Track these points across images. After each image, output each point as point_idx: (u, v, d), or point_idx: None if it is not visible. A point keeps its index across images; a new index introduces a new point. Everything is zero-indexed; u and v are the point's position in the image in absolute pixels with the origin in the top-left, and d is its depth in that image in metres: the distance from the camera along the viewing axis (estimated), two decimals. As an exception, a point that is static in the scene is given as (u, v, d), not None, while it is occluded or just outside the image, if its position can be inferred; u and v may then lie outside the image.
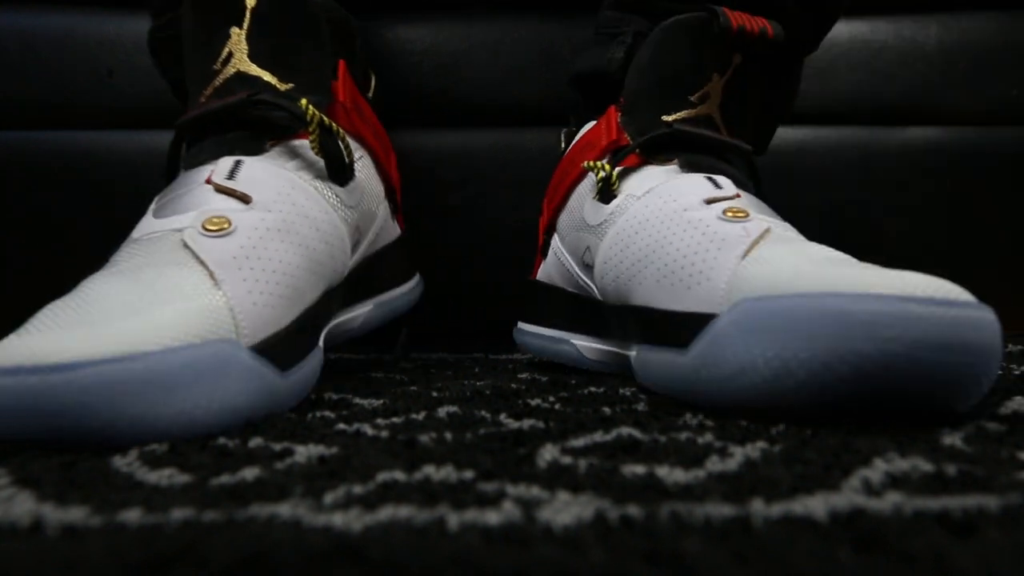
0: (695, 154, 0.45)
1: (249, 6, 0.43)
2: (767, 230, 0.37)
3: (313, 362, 0.39)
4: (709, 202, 0.40)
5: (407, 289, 0.53)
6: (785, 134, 0.58)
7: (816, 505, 0.20)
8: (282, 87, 0.43)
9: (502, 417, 0.33)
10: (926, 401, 0.29)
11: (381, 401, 0.38)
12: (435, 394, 0.40)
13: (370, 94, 0.52)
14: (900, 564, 0.16)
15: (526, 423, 0.32)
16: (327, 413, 0.35)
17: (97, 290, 0.32)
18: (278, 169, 0.40)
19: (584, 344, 0.48)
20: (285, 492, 0.22)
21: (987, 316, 0.29)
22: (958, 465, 0.24)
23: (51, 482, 0.23)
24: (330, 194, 0.42)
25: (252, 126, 0.42)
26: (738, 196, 0.41)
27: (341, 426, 0.32)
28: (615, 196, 0.45)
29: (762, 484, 0.22)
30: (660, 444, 0.28)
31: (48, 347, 0.27)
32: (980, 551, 0.17)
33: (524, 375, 0.48)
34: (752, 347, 0.31)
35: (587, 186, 0.48)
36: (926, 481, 0.22)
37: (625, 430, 0.30)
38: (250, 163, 0.40)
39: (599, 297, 0.46)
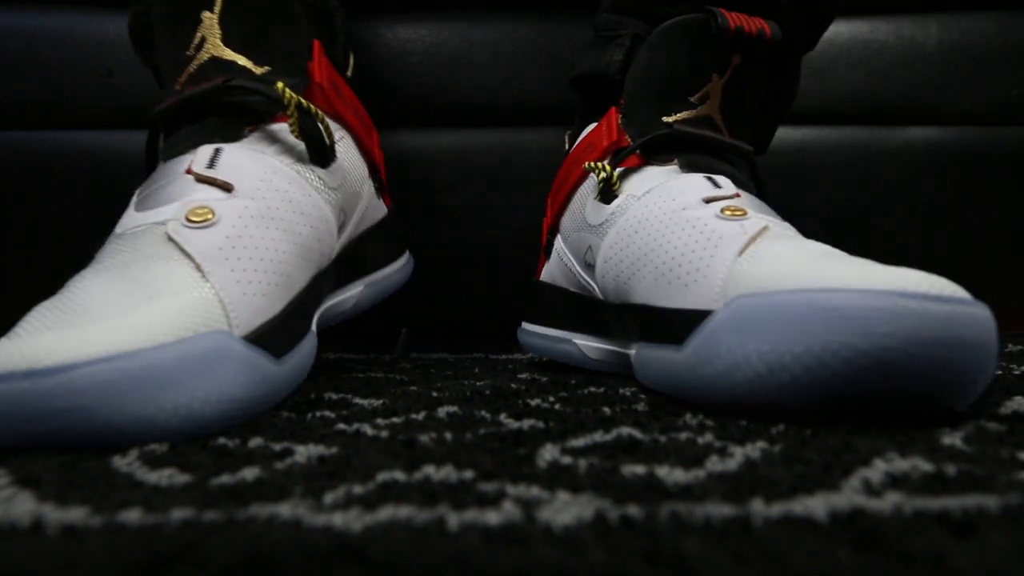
0: (695, 154, 0.45)
1: None
2: (764, 228, 0.37)
3: (307, 347, 0.39)
4: (708, 201, 0.40)
5: (397, 267, 0.52)
6: (785, 134, 0.58)
7: (816, 505, 0.20)
8: (258, 71, 0.42)
9: (502, 417, 0.33)
10: (921, 397, 0.29)
11: (381, 401, 0.38)
12: (435, 394, 0.40)
13: (349, 73, 0.51)
14: (900, 564, 0.16)
15: (526, 423, 0.32)
16: (327, 413, 0.35)
17: (85, 289, 0.31)
18: (258, 155, 0.40)
19: (586, 344, 0.48)
20: (285, 492, 0.22)
21: (982, 312, 0.29)
22: (958, 465, 0.24)
23: (51, 482, 0.23)
24: (312, 177, 0.42)
25: (229, 112, 0.41)
26: (737, 195, 0.41)
27: (341, 426, 0.32)
28: (616, 196, 0.45)
29: (762, 484, 0.22)
30: (660, 444, 0.28)
31: (40, 350, 0.27)
32: (980, 551, 0.17)
33: (524, 375, 0.48)
34: (746, 343, 0.31)
35: (589, 187, 0.48)
36: (926, 481, 0.22)
37: (625, 430, 0.30)
38: (229, 150, 0.39)
39: (600, 296, 0.46)
